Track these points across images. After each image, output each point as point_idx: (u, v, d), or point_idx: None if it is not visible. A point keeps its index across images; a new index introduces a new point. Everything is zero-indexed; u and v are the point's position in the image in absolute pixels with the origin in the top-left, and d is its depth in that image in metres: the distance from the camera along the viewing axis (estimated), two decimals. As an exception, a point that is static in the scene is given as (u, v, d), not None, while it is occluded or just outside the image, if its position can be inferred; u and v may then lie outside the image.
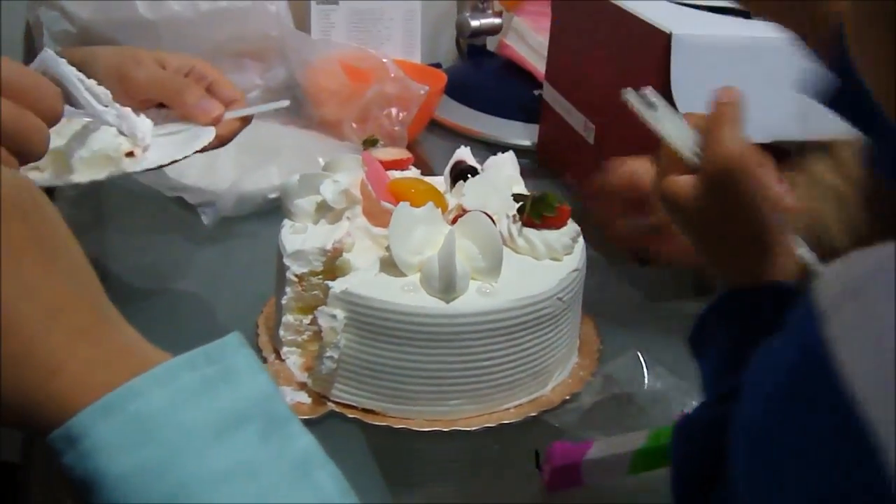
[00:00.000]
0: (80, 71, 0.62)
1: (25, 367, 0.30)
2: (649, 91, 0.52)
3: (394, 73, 0.95)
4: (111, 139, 0.62)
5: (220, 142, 0.69)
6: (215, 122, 0.68)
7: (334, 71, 0.99)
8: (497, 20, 1.19)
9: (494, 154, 0.71)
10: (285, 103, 0.76)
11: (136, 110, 0.65)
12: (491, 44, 1.22)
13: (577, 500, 0.55)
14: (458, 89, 1.12)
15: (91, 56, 0.69)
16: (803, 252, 0.49)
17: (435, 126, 1.10)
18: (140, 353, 0.32)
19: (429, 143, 1.06)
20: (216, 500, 0.29)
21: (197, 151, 0.65)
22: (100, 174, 0.61)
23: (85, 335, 0.31)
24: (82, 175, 0.60)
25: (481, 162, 0.71)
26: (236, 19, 1.04)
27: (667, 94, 0.68)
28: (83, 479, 0.29)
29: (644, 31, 0.75)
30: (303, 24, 1.14)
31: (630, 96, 0.52)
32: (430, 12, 1.23)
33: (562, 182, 0.94)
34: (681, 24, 0.73)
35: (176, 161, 0.64)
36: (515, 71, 1.11)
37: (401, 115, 0.93)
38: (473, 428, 0.58)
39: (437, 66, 1.24)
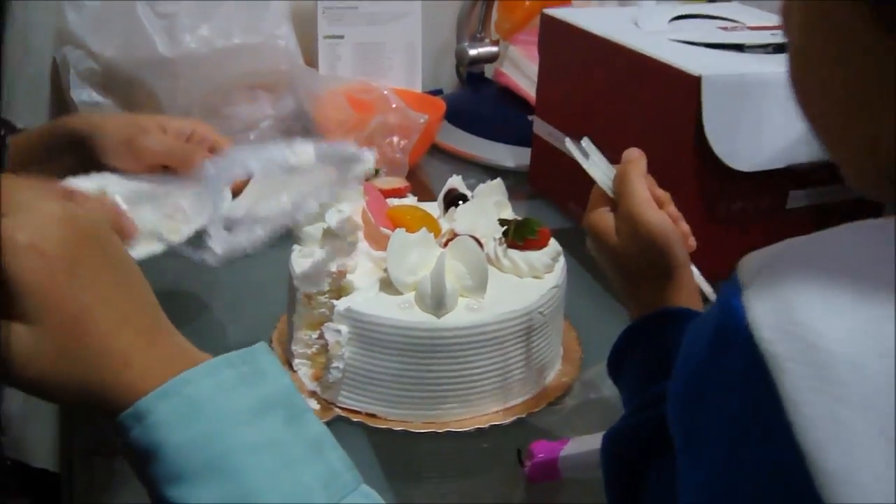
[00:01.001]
0: (90, 139, 0.69)
1: (102, 361, 0.38)
2: (585, 142, 0.61)
3: (395, 103, 1.03)
4: (161, 219, 0.69)
5: (235, 195, 0.75)
6: (235, 188, 0.74)
7: (340, 102, 1.06)
8: (494, 49, 1.26)
9: (493, 177, 0.79)
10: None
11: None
12: (489, 71, 1.29)
13: (556, 495, 0.61)
14: (458, 115, 1.20)
15: (100, 127, 0.75)
16: (702, 283, 0.59)
17: (436, 150, 1.17)
18: (188, 352, 0.41)
19: (430, 166, 1.14)
20: (249, 466, 0.37)
21: None
22: (156, 249, 0.67)
23: (147, 336, 0.40)
24: (140, 251, 0.66)
25: (479, 183, 0.78)
26: (249, 55, 1.12)
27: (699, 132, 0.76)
28: (147, 449, 0.37)
29: (667, 75, 0.81)
30: (311, 55, 1.22)
31: (569, 145, 0.61)
32: (433, 41, 1.30)
33: (556, 204, 1.01)
34: (698, 63, 0.79)
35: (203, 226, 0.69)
36: (510, 97, 1.17)
37: (402, 143, 1.00)
38: (465, 429, 0.65)
39: (439, 92, 1.32)
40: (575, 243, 0.72)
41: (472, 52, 1.25)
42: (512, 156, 1.12)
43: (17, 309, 0.37)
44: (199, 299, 0.83)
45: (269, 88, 1.15)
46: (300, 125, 1.11)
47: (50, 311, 0.37)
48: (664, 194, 0.60)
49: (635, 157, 0.58)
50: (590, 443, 0.59)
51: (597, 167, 0.60)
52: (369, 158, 0.65)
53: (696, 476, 0.35)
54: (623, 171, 0.58)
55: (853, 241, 0.34)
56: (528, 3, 1.23)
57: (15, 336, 0.37)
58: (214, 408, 0.38)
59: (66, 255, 0.38)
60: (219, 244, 0.59)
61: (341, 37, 1.19)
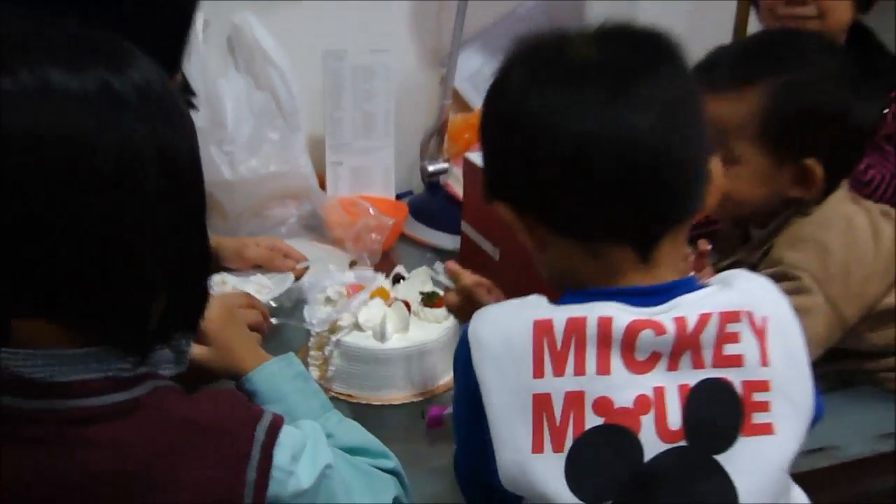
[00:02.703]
0: (215, 252, 1.29)
1: (234, 360, 0.98)
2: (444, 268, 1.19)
3: (372, 211, 1.63)
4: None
5: (297, 279, 1.38)
6: (297, 274, 1.39)
7: (339, 209, 1.66)
8: (445, 165, 1.85)
9: (440, 256, 1.41)
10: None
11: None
12: (444, 180, 1.88)
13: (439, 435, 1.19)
14: (419, 213, 1.80)
15: (219, 245, 1.37)
16: None
17: (404, 237, 1.77)
18: (264, 355, 1.00)
19: (400, 249, 1.73)
20: (290, 399, 0.95)
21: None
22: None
23: (250, 349, 0.99)
24: None
25: (434, 258, 1.38)
26: (283, 177, 1.72)
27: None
28: (249, 392, 0.96)
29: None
30: (321, 171, 1.82)
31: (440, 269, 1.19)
32: (405, 158, 1.91)
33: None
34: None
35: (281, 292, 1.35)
36: (454, 201, 1.76)
37: (377, 237, 1.60)
38: (399, 402, 1.22)
39: (409, 193, 1.92)
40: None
41: (430, 167, 1.84)
42: (452, 242, 1.70)
43: (202, 340, 0.96)
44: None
45: (295, 198, 1.75)
46: (314, 223, 1.72)
47: (214, 341, 0.97)
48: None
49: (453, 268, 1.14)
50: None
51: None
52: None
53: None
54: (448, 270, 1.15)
55: (507, 304, 0.91)
56: (467, 136, 1.84)
57: (200, 351, 0.96)
58: (274, 377, 0.97)
59: (220, 319, 0.97)
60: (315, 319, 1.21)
61: (341, 163, 1.80)
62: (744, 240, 1.35)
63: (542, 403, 0.82)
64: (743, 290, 0.87)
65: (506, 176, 0.91)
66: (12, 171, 0.67)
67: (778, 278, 1.18)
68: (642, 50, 0.87)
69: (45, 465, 0.74)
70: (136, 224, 0.72)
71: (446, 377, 1.26)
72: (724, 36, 2.10)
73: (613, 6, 2.07)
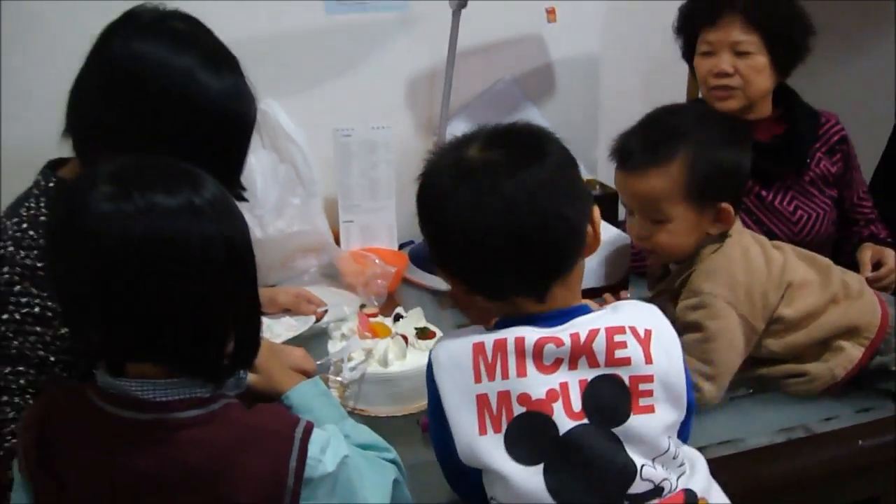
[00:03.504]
0: None
1: (277, 383, 1.34)
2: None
3: (378, 261, 1.98)
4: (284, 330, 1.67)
5: (318, 320, 1.72)
6: (318, 316, 1.72)
7: (351, 260, 2.02)
8: (440, 219, 2.21)
9: (436, 297, 1.75)
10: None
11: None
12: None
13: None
14: (418, 260, 2.13)
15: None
16: None
17: (406, 282, 2.11)
18: (299, 378, 1.36)
19: (402, 291, 2.06)
20: (317, 410, 1.30)
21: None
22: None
23: (287, 374, 1.36)
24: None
25: (433, 299, 1.73)
26: (304, 235, 2.06)
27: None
28: (288, 407, 1.31)
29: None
30: (335, 226, 2.17)
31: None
32: (405, 213, 2.23)
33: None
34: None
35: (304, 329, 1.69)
36: None
37: (382, 282, 1.95)
38: (402, 414, 1.56)
39: (410, 242, 2.25)
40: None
41: (427, 221, 2.20)
42: (444, 284, 2.04)
43: (253, 370, 1.32)
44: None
45: (314, 252, 2.09)
46: (331, 272, 2.06)
47: (261, 370, 1.32)
48: None
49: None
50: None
51: None
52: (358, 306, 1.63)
53: None
54: None
55: (462, 332, 1.23)
56: (456, 194, 2.19)
57: (252, 377, 1.32)
58: (305, 394, 1.33)
59: (266, 354, 1.32)
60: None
61: (351, 221, 2.16)
62: (664, 273, 1.69)
63: (482, 400, 1.13)
64: (627, 313, 1.20)
65: (432, 247, 1.22)
66: (133, 264, 1.02)
67: (700, 306, 1.54)
68: (518, 147, 1.16)
69: (152, 458, 1.08)
70: (214, 293, 1.07)
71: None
72: (679, 94, 2.45)
73: (578, 73, 2.45)
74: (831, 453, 1.53)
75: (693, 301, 1.56)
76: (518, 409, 1.13)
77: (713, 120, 1.66)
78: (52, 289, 1.26)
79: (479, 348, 1.15)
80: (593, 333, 1.15)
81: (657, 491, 1.15)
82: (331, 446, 1.15)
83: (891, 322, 1.63)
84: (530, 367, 1.14)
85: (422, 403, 1.56)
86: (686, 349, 1.47)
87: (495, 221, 1.12)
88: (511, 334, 1.15)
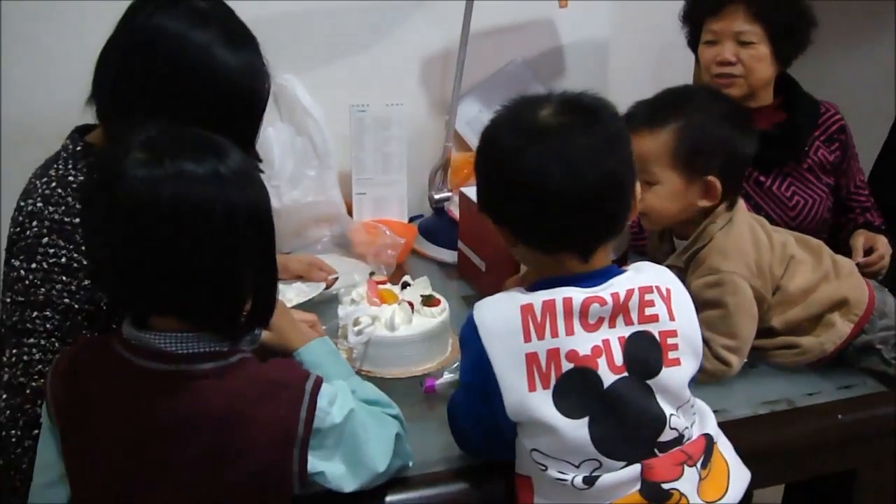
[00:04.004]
0: None
1: (289, 340, 1.42)
2: None
3: (388, 232, 2.06)
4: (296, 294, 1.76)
5: (328, 287, 1.81)
6: (328, 283, 1.81)
7: (362, 231, 2.10)
8: (449, 194, 2.26)
9: (443, 268, 1.87)
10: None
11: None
12: (447, 206, 2.31)
13: (434, 398, 1.62)
14: (427, 232, 2.22)
15: None
16: None
17: (415, 253, 2.19)
18: (310, 335, 1.44)
19: (410, 262, 2.15)
20: (326, 366, 1.38)
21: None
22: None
23: (298, 332, 1.44)
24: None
25: (438, 271, 1.83)
26: (318, 206, 2.14)
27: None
28: (299, 362, 1.39)
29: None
30: (349, 199, 2.25)
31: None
32: (416, 188, 2.33)
33: (468, 281, 2.03)
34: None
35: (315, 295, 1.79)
36: (454, 223, 2.16)
37: (392, 252, 2.03)
38: (407, 376, 1.64)
39: (420, 216, 2.34)
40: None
41: (436, 196, 2.26)
42: (451, 257, 2.11)
43: (267, 328, 1.40)
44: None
45: (327, 221, 2.18)
46: (343, 242, 2.15)
47: (274, 328, 1.41)
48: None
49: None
50: (451, 379, 1.61)
51: None
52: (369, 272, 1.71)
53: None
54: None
55: (507, 296, 1.30)
56: (465, 170, 2.27)
57: (266, 334, 1.40)
58: (315, 351, 1.41)
59: (280, 314, 1.40)
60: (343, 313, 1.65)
61: (364, 193, 2.25)
62: (670, 250, 1.77)
63: (531, 358, 1.20)
64: (650, 273, 1.30)
65: (488, 197, 1.31)
66: (162, 225, 1.10)
67: (719, 283, 1.62)
68: (586, 114, 1.26)
69: (174, 405, 1.17)
70: (236, 255, 1.15)
71: (440, 357, 1.68)
72: (685, 80, 2.50)
73: (588, 58, 2.51)
74: (812, 426, 1.60)
75: (711, 279, 1.62)
76: (567, 366, 1.21)
77: (718, 100, 1.73)
78: (85, 246, 1.36)
79: (527, 309, 1.22)
80: (630, 293, 1.25)
81: (679, 439, 1.25)
82: (338, 400, 1.24)
83: (877, 304, 1.71)
84: (577, 325, 1.22)
85: (425, 366, 1.66)
86: (708, 325, 1.58)
87: (565, 179, 1.20)
88: (559, 295, 1.23)
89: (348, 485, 1.24)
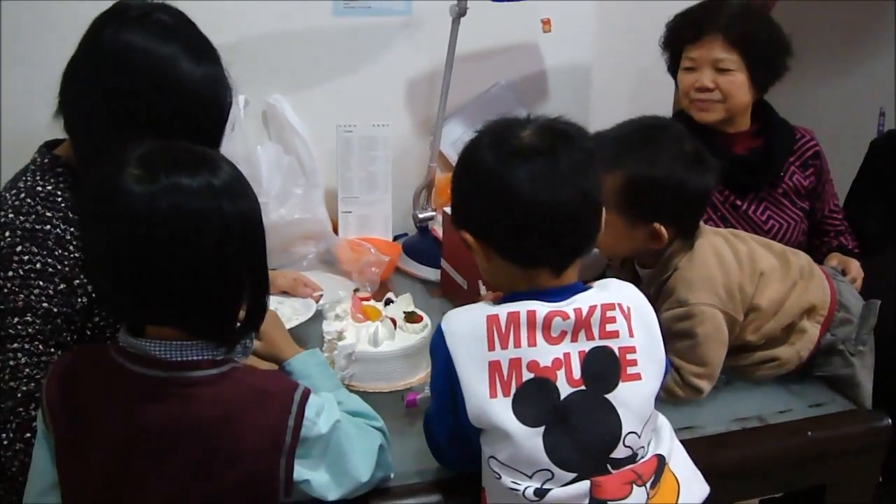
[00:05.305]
0: None
1: (278, 350, 1.46)
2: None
3: (373, 250, 2.10)
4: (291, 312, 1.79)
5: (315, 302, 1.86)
6: (315, 300, 1.85)
7: (347, 248, 2.14)
8: (433, 213, 2.30)
9: (426, 287, 1.91)
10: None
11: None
12: (431, 225, 2.35)
13: (414, 412, 1.65)
14: (411, 251, 2.25)
15: None
16: None
17: (398, 270, 2.23)
18: (298, 348, 1.47)
19: (394, 280, 2.17)
20: (315, 378, 1.40)
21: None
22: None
23: (287, 343, 1.48)
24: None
25: (422, 289, 1.87)
26: (304, 223, 2.17)
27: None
28: (287, 372, 1.43)
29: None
30: (334, 216, 2.29)
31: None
32: (401, 207, 2.37)
33: (448, 299, 2.07)
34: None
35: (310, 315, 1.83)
36: (437, 243, 2.20)
37: (376, 270, 2.07)
38: (389, 391, 1.69)
39: (404, 235, 2.37)
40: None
41: (420, 215, 2.30)
42: (434, 275, 2.16)
43: (258, 338, 1.44)
44: (298, 338, 1.88)
45: (313, 238, 2.21)
46: (328, 259, 2.18)
47: (265, 338, 1.44)
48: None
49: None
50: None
51: None
52: (353, 290, 1.75)
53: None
54: None
55: (474, 306, 1.34)
56: (450, 191, 2.30)
57: (258, 345, 1.44)
58: (304, 363, 1.44)
59: (271, 325, 1.44)
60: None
61: (350, 212, 2.29)
62: (634, 279, 1.78)
63: (494, 366, 1.24)
64: (615, 291, 1.33)
65: (468, 214, 1.35)
66: (158, 237, 1.14)
67: (688, 316, 1.65)
68: (563, 136, 1.31)
69: (167, 411, 1.19)
70: (229, 265, 1.19)
71: (421, 373, 1.72)
72: (665, 104, 2.57)
73: (570, 82, 2.57)
74: (783, 443, 1.64)
75: (680, 311, 1.65)
76: (527, 375, 1.25)
77: (675, 141, 1.66)
78: (84, 259, 1.40)
79: (493, 319, 1.27)
80: (592, 308, 1.29)
81: (633, 457, 1.29)
82: (325, 411, 1.27)
83: (838, 297, 1.78)
84: (540, 337, 1.26)
85: (407, 381, 1.70)
86: (678, 355, 1.63)
87: (543, 195, 1.26)
88: (523, 307, 1.27)
89: (332, 493, 1.28)
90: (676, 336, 1.64)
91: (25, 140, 1.65)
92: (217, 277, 1.19)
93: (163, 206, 1.14)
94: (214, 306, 1.21)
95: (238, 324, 1.25)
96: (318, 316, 1.84)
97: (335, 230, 2.28)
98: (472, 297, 1.82)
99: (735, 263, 1.70)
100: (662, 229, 1.65)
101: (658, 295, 1.69)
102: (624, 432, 1.27)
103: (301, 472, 1.24)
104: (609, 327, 1.29)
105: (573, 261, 1.34)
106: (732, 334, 1.68)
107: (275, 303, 1.85)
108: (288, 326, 1.61)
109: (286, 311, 1.81)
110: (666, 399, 1.61)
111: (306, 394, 1.25)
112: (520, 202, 1.27)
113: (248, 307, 1.25)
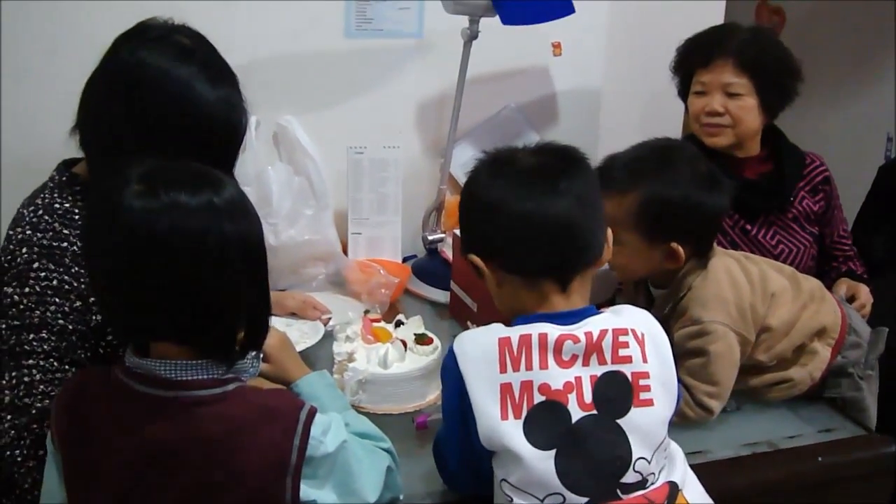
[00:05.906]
0: None
1: (286, 372, 1.46)
2: None
3: (382, 272, 2.11)
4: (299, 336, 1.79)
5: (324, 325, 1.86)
6: (324, 322, 1.85)
7: (357, 270, 2.14)
8: (442, 235, 2.31)
9: (436, 308, 1.91)
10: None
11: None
12: (441, 247, 2.35)
13: (425, 434, 1.65)
14: (420, 273, 2.26)
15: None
16: None
17: (407, 292, 2.23)
18: (307, 369, 1.48)
19: (404, 302, 2.18)
20: (323, 398, 1.41)
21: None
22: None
23: (296, 364, 1.48)
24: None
25: (431, 310, 1.87)
26: (313, 244, 2.18)
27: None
28: (296, 394, 1.43)
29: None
30: (343, 238, 2.30)
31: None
32: (410, 229, 2.37)
33: (457, 322, 2.07)
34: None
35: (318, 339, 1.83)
36: (447, 264, 2.21)
37: (385, 291, 2.08)
38: (399, 412, 1.68)
39: (413, 256, 2.38)
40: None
41: (430, 237, 2.30)
42: (444, 297, 2.16)
43: (266, 359, 1.44)
44: (308, 360, 1.86)
45: (323, 259, 2.22)
46: (338, 280, 2.19)
47: (273, 360, 1.45)
48: None
49: None
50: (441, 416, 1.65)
51: None
52: (362, 312, 1.75)
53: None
54: None
55: (486, 329, 1.36)
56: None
57: (265, 366, 1.44)
58: (312, 384, 1.44)
59: (277, 346, 1.45)
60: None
61: (360, 233, 2.29)
62: (647, 299, 1.81)
63: (506, 388, 1.25)
64: (628, 316, 1.34)
65: (472, 237, 1.39)
66: (158, 254, 1.15)
67: (701, 333, 1.66)
68: (562, 159, 1.36)
69: (173, 430, 1.20)
70: (229, 285, 1.19)
71: (432, 395, 1.72)
72: (674, 129, 2.58)
73: (580, 105, 2.58)
74: (793, 468, 1.64)
75: (693, 329, 1.66)
76: (538, 398, 1.26)
77: (690, 162, 1.70)
78: (88, 275, 1.40)
79: (504, 342, 1.28)
80: (603, 333, 1.30)
81: (643, 483, 1.28)
82: (332, 430, 1.27)
83: (848, 321, 1.78)
84: (551, 360, 1.27)
85: (417, 403, 1.69)
86: (690, 373, 1.63)
87: (542, 205, 1.31)
88: (535, 330, 1.29)
89: None
90: (688, 354, 1.65)
91: (37, 157, 1.66)
92: (216, 295, 1.19)
93: (162, 223, 1.15)
94: (214, 324, 1.21)
95: (240, 341, 1.25)
96: (329, 337, 1.84)
97: (345, 251, 2.28)
98: (481, 319, 1.83)
99: (747, 284, 1.71)
100: (679, 249, 1.67)
101: (672, 314, 1.71)
102: (634, 457, 1.27)
103: (307, 491, 1.23)
104: (622, 352, 1.29)
105: (577, 271, 1.35)
106: (744, 355, 1.69)
107: (283, 325, 1.86)
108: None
109: (294, 334, 1.82)
110: (677, 422, 1.61)
111: (312, 412, 1.25)
112: (516, 211, 1.31)
113: (249, 327, 1.25)
